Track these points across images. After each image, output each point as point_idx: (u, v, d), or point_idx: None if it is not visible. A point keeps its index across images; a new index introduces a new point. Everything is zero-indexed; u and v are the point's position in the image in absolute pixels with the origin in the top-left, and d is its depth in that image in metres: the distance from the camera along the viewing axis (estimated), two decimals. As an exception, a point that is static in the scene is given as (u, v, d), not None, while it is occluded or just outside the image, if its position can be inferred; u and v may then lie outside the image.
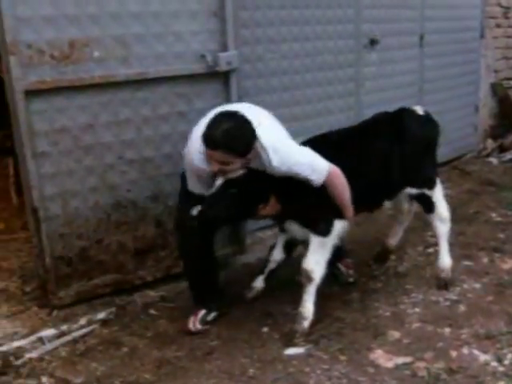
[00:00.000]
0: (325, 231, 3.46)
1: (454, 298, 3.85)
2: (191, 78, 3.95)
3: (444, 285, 3.98)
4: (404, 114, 3.91)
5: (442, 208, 4.01)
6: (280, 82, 4.66)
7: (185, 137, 3.92)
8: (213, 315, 3.63)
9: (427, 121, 3.97)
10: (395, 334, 3.47)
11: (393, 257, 4.46)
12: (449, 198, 5.55)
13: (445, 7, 6.30)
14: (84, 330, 3.56)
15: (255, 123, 3.12)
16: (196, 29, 3.90)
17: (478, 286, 4.01)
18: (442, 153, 6.44)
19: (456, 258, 4.21)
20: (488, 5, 7.06)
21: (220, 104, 3.96)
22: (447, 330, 3.47)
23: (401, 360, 3.22)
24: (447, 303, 3.79)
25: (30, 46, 3.34)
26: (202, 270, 3.68)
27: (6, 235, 4.89)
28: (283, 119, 4.61)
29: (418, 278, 4.15)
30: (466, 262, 4.35)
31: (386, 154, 3.68)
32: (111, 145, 3.75)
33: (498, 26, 7.42)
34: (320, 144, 3.45)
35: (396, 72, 5.79)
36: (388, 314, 3.70)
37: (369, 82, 5.47)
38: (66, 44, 3.45)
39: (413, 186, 3.89)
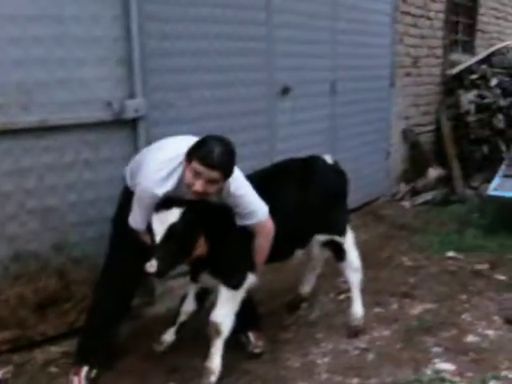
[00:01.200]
0: (237, 285, 3.41)
1: (364, 346, 3.85)
2: (97, 125, 3.86)
3: (355, 333, 3.98)
4: (313, 162, 3.95)
5: (353, 256, 4.03)
6: (191, 130, 4.57)
7: (90, 185, 3.87)
8: (94, 372, 3.46)
9: (335, 170, 4.02)
10: (303, 386, 3.43)
11: (304, 305, 4.44)
12: (363, 243, 5.67)
13: (356, 57, 6.48)
14: (-23, 392, 3.35)
15: None
16: (102, 75, 3.83)
17: (387, 333, 4.03)
18: (356, 197, 6.61)
19: (367, 304, 4.23)
20: (398, 55, 7.33)
21: (128, 151, 3.91)
22: (355, 381, 3.46)
23: (307, 414, 3.18)
24: (356, 352, 3.79)
25: None
26: (108, 324, 3.55)
27: None
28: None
29: (328, 326, 4.14)
30: (377, 309, 4.38)
31: (295, 201, 3.68)
32: (12, 194, 3.59)
33: (408, 74, 7.71)
34: None
35: (309, 119, 5.87)
36: (297, 364, 3.66)
37: (282, 129, 5.52)
38: (-37, 90, 3.32)
39: (322, 232, 3.91)
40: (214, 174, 3.02)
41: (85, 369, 3.42)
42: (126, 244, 3.35)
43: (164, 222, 3.04)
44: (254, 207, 3.27)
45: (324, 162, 3.98)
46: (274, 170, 3.91)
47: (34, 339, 3.77)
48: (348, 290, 4.20)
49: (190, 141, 3.17)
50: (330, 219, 3.89)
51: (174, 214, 3.05)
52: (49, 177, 3.71)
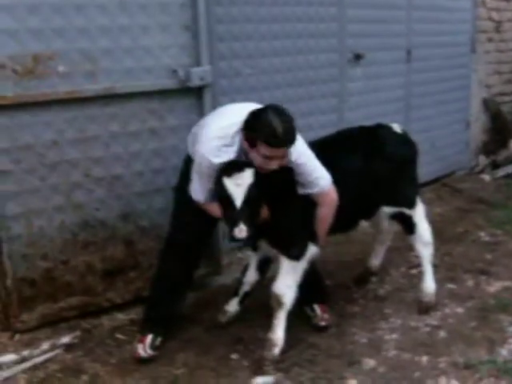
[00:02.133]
0: (297, 255, 3.32)
1: (435, 323, 3.70)
2: (163, 93, 3.82)
3: (425, 309, 3.82)
4: (380, 130, 3.79)
5: (424, 230, 3.87)
6: (260, 98, 4.49)
7: (156, 154, 3.87)
8: (159, 340, 3.46)
9: (404, 140, 3.84)
10: (370, 363, 3.31)
11: (374, 279, 4.31)
12: (437, 216, 5.50)
13: (433, 22, 6.19)
14: (46, 356, 3.40)
15: None
16: (167, 43, 3.78)
17: (460, 310, 3.85)
18: (432, 170, 6.39)
19: (440, 280, 4.08)
20: (479, 19, 6.95)
21: (193, 120, 3.85)
22: (425, 359, 3.32)
23: (375, 391, 3.07)
24: (427, 329, 3.64)
25: (-9, 60, 3.22)
26: (173, 293, 3.54)
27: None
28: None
29: (398, 301, 3.99)
30: (450, 285, 4.20)
31: (360, 170, 3.55)
32: (77, 162, 3.61)
33: (490, 40, 7.31)
34: None
35: (381, 87, 5.68)
36: (364, 340, 3.55)
37: (353, 98, 5.35)
38: (29, 58, 3.33)
39: (389, 204, 3.75)
40: (284, 152, 2.96)
41: (149, 337, 3.42)
42: (189, 213, 3.32)
43: (241, 184, 2.93)
44: (317, 175, 3.17)
45: (392, 130, 3.81)
46: (338, 138, 3.76)
47: (101, 306, 3.82)
48: (420, 265, 4.04)
49: (251, 108, 3.05)
50: (397, 191, 3.73)
51: (249, 175, 2.94)
52: (114, 145, 3.71)
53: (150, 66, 3.73)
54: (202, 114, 3.95)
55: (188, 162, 3.31)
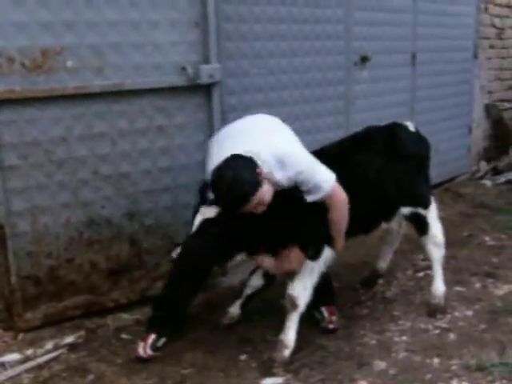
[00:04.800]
0: (314, 256, 3.28)
1: (444, 325, 3.65)
2: (171, 90, 3.78)
3: (434, 311, 3.78)
4: (397, 129, 3.75)
5: (437, 230, 3.82)
6: (266, 98, 4.49)
7: (164, 152, 3.84)
8: (162, 341, 3.40)
9: (419, 138, 3.81)
10: (381, 364, 3.26)
11: (380, 281, 4.27)
12: (441, 221, 5.45)
13: (437, 26, 6.18)
14: (50, 355, 3.34)
15: (254, 149, 2.95)
16: (176, 39, 3.74)
17: (469, 313, 3.81)
18: (435, 174, 6.30)
19: (447, 283, 4.02)
20: (481, 25, 6.97)
21: (201, 119, 3.82)
22: (436, 361, 3.27)
23: (386, 393, 3.02)
24: (437, 331, 3.59)
25: (-1, 53, 3.17)
26: (181, 297, 3.48)
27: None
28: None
29: (406, 303, 3.95)
30: (458, 288, 4.16)
31: (380, 170, 3.51)
32: (85, 159, 3.56)
33: (492, 46, 7.33)
34: None
35: (387, 91, 5.65)
36: (374, 342, 3.50)
37: (359, 101, 5.33)
38: (37, 52, 3.28)
39: (407, 204, 3.70)
40: (251, 203, 2.89)
41: (152, 337, 3.37)
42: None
43: (201, 216, 3.03)
44: (316, 180, 3.06)
45: (408, 129, 3.78)
46: (354, 139, 3.72)
47: (106, 305, 3.76)
48: (427, 268, 4.00)
49: (245, 144, 3.02)
50: (415, 190, 3.70)
51: (210, 211, 3.01)
52: (122, 143, 3.67)
53: (158, 62, 3.69)
54: (210, 112, 3.94)
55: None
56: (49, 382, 3.13)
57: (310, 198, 3.12)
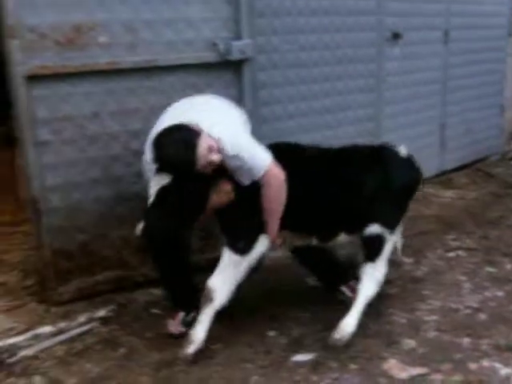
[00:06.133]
0: (242, 249, 3.07)
1: (475, 305, 3.62)
2: (202, 66, 3.78)
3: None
4: (385, 154, 3.42)
5: (383, 266, 3.37)
6: (297, 75, 4.46)
7: (194, 129, 3.80)
8: (192, 316, 3.39)
9: (409, 166, 3.44)
10: (410, 343, 3.25)
11: (409, 260, 4.24)
12: (472, 201, 5.45)
13: (471, 3, 6.06)
14: (82, 328, 3.40)
15: (207, 124, 2.94)
16: (208, 16, 3.73)
17: (501, 293, 3.77)
18: (465, 154, 6.32)
19: (479, 263, 4.02)
20: (517, 2, 6.80)
21: (232, 95, 3.81)
22: (466, 340, 3.25)
23: (416, 371, 3.00)
24: (467, 311, 3.56)
25: (32, 29, 3.19)
26: (176, 275, 3.41)
27: (9, 228, 4.77)
28: (300, 113, 4.51)
29: (436, 283, 3.92)
30: (489, 269, 4.12)
31: (355, 183, 3.26)
32: (117, 135, 3.59)
33: (527, 24, 7.14)
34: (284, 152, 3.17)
35: (419, 68, 5.58)
36: (403, 320, 3.49)
37: (391, 78, 5.26)
38: (70, 28, 3.30)
39: (375, 221, 3.29)
40: (198, 162, 2.86)
41: (181, 314, 3.39)
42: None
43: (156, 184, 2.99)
44: (255, 159, 2.97)
45: (397, 155, 3.41)
46: (336, 154, 3.40)
47: (136, 281, 3.81)
48: (458, 248, 3.95)
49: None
50: (389, 211, 3.33)
51: (164, 177, 2.96)
52: (153, 119, 3.64)
53: (190, 38, 3.69)
54: (240, 89, 3.92)
55: None
56: (82, 354, 3.18)
57: (246, 181, 3.02)
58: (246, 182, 3.03)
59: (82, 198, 3.55)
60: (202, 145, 2.85)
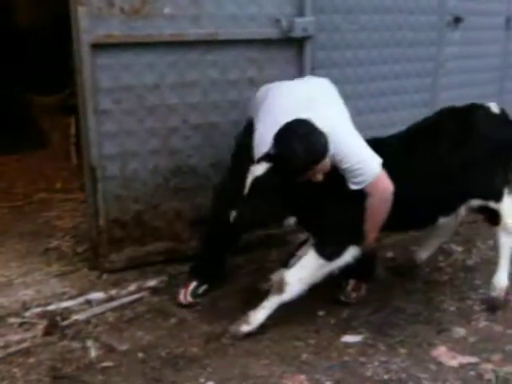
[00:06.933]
0: (329, 256, 3.06)
1: (527, 298, 3.58)
2: (264, 42, 3.76)
3: (492, 307, 3.44)
4: (474, 111, 3.36)
5: (510, 219, 3.40)
6: (355, 56, 4.40)
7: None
8: (203, 288, 3.45)
9: (503, 121, 3.40)
10: (460, 331, 3.22)
11: (460, 249, 4.19)
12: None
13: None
14: (133, 297, 3.45)
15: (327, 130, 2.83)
16: (272, -10, 3.70)
17: (554, 287, 3.71)
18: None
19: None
20: None
21: (292, 73, 3.78)
22: (518, 332, 3.22)
23: (466, 360, 2.97)
24: (519, 303, 3.53)
25: (100, -4, 3.20)
26: (217, 249, 3.51)
27: (62, 194, 4.85)
28: (356, 95, 4.45)
29: (487, 273, 3.83)
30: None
31: (445, 160, 3.20)
32: (176, 107, 3.60)
33: None
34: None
35: (479, 54, 5.45)
36: (453, 308, 3.46)
37: (449, 63, 5.15)
38: (137, -2, 3.30)
39: (477, 197, 3.36)
40: (319, 167, 2.81)
41: (193, 284, 3.43)
42: (242, 173, 3.03)
43: (251, 175, 2.87)
44: (361, 165, 2.89)
45: (489, 111, 3.35)
46: (423, 125, 3.39)
47: (186, 254, 3.82)
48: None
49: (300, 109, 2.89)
50: (487, 182, 3.32)
51: (260, 169, 2.85)
52: (212, 92, 3.68)
53: (253, 13, 3.67)
54: (301, 66, 3.89)
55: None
56: (133, 321, 3.24)
57: (354, 187, 2.95)
58: (353, 187, 2.95)
59: (139, 168, 3.58)
60: (323, 163, 2.82)
